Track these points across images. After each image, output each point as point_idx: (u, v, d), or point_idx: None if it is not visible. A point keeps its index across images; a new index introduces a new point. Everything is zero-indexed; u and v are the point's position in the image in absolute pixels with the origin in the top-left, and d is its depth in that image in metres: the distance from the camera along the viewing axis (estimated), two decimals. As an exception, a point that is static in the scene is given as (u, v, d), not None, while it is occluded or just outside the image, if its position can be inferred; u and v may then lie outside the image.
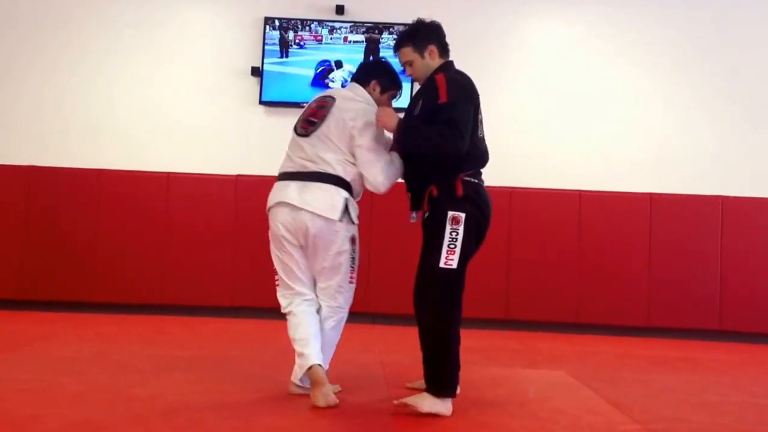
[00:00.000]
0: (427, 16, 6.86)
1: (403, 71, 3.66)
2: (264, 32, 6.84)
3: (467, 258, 3.38)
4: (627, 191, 6.71)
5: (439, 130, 3.26)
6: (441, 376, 3.31)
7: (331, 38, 6.87)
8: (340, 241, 3.49)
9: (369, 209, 5.96)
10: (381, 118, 3.43)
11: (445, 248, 3.31)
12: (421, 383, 3.75)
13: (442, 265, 3.30)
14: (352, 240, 3.55)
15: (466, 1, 7.03)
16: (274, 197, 3.60)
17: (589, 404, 3.73)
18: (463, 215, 3.33)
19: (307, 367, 3.42)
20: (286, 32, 6.86)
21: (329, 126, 3.53)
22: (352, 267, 3.58)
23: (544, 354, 5.43)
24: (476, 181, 3.45)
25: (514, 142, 6.98)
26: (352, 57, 6.84)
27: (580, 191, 6.69)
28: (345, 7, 6.94)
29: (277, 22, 6.84)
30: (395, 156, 3.57)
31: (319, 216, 3.44)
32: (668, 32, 7.04)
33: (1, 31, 6.92)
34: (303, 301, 3.59)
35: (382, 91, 3.73)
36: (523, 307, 6.56)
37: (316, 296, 3.63)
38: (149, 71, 6.98)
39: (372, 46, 6.83)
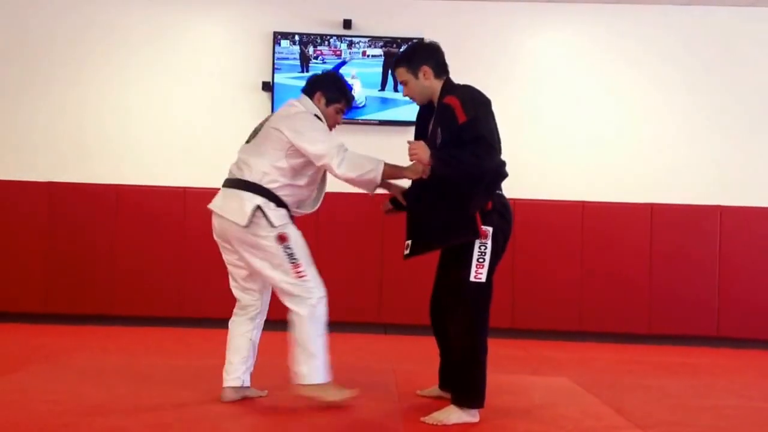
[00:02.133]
0: (432, 29, 7.06)
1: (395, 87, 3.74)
2: (273, 47, 6.94)
3: (493, 271, 3.39)
4: (628, 202, 6.78)
5: (472, 151, 3.24)
6: (470, 388, 3.34)
7: (350, 53, 6.98)
8: (264, 243, 3.54)
9: (380, 220, 6.08)
10: (416, 152, 3.33)
11: (474, 262, 3.32)
12: (432, 391, 3.85)
13: (472, 279, 3.32)
14: (280, 238, 3.55)
15: (469, 14, 7.07)
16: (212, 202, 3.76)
17: (591, 409, 3.78)
18: (491, 229, 3.35)
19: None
20: (306, 47, 6.97)
21: (262, 137, 3.65)
22: (294, 262, 3.56)
23: (548, 361, 5.48)
24: (500, 192, 3.48)
25: (516, 153, 6.96)
26: (371, 71, 6.93)
27: (582, 202, 6.77)
28: (352, 22, 7.03)
29: (297, 37, 6.91)
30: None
31: (230, 221, 3.58)
32: (670, 44, 7.06)
33: (18, 50, 6.99)
34: (237, 310, 3.90)
35: (328, 103, 3.76)
36: (528, 316, 6.65)
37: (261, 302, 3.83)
38: (164, 87, 7.05)
39: (391, 60, 6.93)
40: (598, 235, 6.72)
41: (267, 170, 3.58)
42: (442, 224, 3.40)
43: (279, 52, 6.95)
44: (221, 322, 6.65)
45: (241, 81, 7.06)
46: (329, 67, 6.87)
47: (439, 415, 3.35)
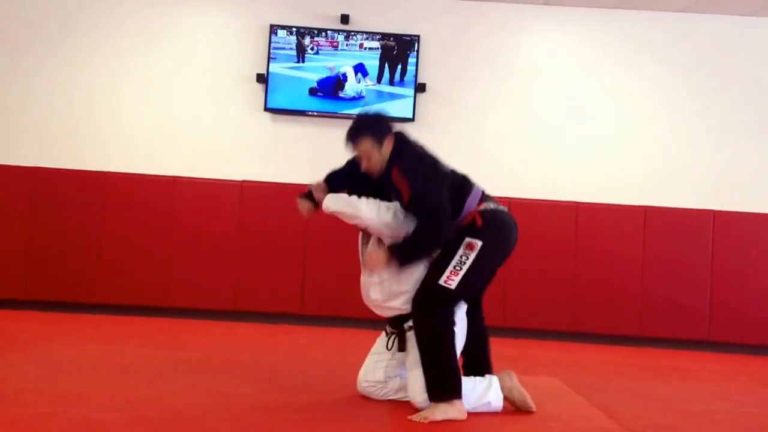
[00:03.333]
0: (430, 26, 7.02)
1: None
2: (270, 39, 6.89)
3: (471, 285, 3.42)
4: (622, 204, 6.79)
5: (423, 228, 3.31)
6: (440, 380, 3.34)
7: (347, 44, 6.93)
8: None
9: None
10: (375, 264, 3.39)
11: (450, 268, 3.35)
12: None
13: (441, 281, 3.34)
14: None
15: (464, 13, 7.08)
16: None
17: (581, 410, 3.77)
18: (479, 243, 3.37)
19: None
20: (303, 37, 6.92)
21: None
22: None
23: (539, 361, 5.46)
24: (492, 206, 3.49)
25: (511, 153, 7.06)
26: (368, 63, 6.90)
27: (576, 203, 6.77)
28: (350, 17, 7.01)
29: (294, 30, 6.88)
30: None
31: None
32: (665, 46, 7.09)
33: (6, 33, 6.95)
34: None
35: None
36: (520, 316, 6.63)
37: None
38: (155, 75, 7.02)
39: (387, 53, 6.89)
40: (591, 236, 6.73)
41: None
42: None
43: (275, 42, 6.91)
44: (207, 313, 6.70)
45: (235, 72, 7.04)
46: (326, 58, 6.84)
47: (425, 412, 3.34)
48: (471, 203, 3.47)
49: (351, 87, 6.86)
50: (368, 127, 3.48)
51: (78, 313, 6.46)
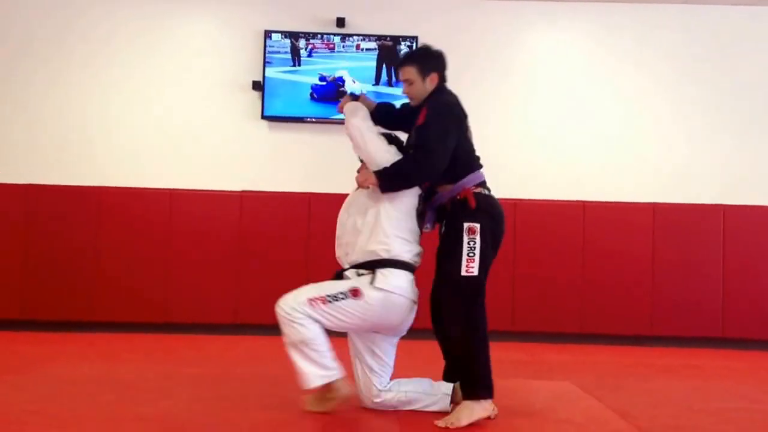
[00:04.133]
0: (426, 27, 6.97)
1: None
2: (264, 46, 6.84)
3: (487, 266, 3.47)
4: (630, 201, 6.72)
5: (414, 158, 3.43)
6: (475, 378, 3.37)
7: (343, 46, 6.86)
8: None
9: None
10: (364, 180, 3.50)
11: (464, 257, 3.39)
12: None
13: (463, 273, 3.38)
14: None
15: (464, 13, 7.04)
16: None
17: (595, 414, 3.74)
18: (478, 225, 3.44)
19: None
20: (297, 40, 6.85)
21: None
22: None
23: (549, 364, 5.42)
24: (486, 192, 3.57)
25: (517, 153, 6.98)
26: (364, 65, 6.83)
27: (583, 202, 6.70)
28: (346, 20, 6.95)
29: (288, 33, 6.83)
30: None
31: None
32: (671, 42, 7.05)
33: (-1, 48, 6.93)
34: None
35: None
36: (529, 319, 6.55)
37: None
38: (150, 86, 6.97)
39: (385, 54, 6.80)
40: (599, 236, 6.65)
41: None
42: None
43: (270, 46, 6.86)
44: (208, 327, 6.63)
45: (231, 80, 7.00)
46: (322, 61, 6.78)
47: (451, 417, 3.35)
48: (470, 180, 3.54)
49: (350, 89, 6.78)
50: (417, 57, 3.68)
51: (76, 332, 6.39)
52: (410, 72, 3.64)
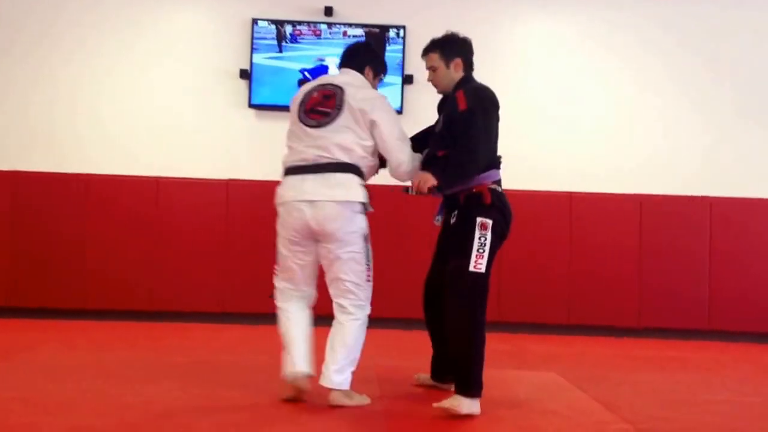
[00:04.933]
0: (416, 18, 6.93)
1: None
2: (252, 34, 6.79)
3: (491, 263, 3.46)
4: (617, 192, 6.72)
5: (465, 146, 3.43)
6: (470, 377, 3.36)
7: (330, 33, 6.78)
8: (354, 237, 3.46)
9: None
10: (416, 185, 3.43)
11: (474, 252, 3.38)
12: (426, 380, 3.94)
13: (471, 268, 3.37)
14: (365, 238, 3.52)
15: (456, 4, 7.01)
16: (288, 193, 3.59)
17: (579, 405, 3.75)
18: (490, 221, 3.44)
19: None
20: (282, 26, 6.78)
21: (347, 117, 3.47)
22: (368, 264, 3.53)
23: (535, 355, 5.43)
24: (500, 189, 3.62)
25: (504, 143, 6.91)
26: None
27: (570, 193, 6.70)
28: (333, 9, 6.90)
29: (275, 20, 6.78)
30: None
31: (339, 205, 3.42)
32: (658, 34, 7.04)
33: (-16, 34, 6.84)
34: (299, 298, 3.73)
35: (374, 76, 3.75)
36: (514, 309, 6.54)
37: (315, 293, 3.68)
38: (136, 74, 6.91)
39: (371, 41, 6.73)
40: (586, 227, 6.66)
41: (359, 147, 3.50)
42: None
43: (257, 32, 6.80)
44: (194, 316, 6.60)
45: (218, 68, 6.95)
46: (308, 47, 6.73)
47: (449, 402, 3.33)
48: (489, 176, 3.57)
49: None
50: (439, 43, 3.67)
51: (62, 319, 6.33)
52: (433, 59, 3.65)
